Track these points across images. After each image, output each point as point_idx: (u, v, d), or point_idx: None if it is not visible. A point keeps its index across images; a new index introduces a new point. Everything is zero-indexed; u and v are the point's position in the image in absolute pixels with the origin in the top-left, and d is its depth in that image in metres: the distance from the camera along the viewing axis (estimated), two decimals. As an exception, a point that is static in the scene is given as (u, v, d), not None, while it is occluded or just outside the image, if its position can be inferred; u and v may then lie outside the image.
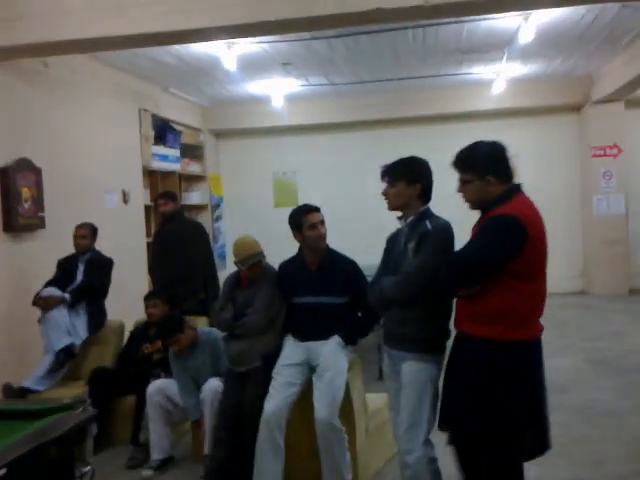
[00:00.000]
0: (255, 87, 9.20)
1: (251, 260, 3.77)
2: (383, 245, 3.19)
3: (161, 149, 8.78)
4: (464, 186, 2.71)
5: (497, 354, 2.51)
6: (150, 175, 8.55)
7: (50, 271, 5.19)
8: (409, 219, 2.99)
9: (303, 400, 3.50)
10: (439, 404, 2.80)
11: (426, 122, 10.45)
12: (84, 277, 5.08)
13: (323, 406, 3.35)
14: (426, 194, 3.01)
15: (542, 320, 2.66)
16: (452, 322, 2.82)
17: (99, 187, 7.09)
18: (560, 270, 10.08)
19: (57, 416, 2.48)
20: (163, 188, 8.04)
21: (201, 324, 4.59)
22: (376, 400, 4.04)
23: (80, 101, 6.81)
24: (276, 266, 3.93)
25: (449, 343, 2.88)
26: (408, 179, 2.96)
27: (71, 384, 4.87)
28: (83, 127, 6.82)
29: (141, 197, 8.12)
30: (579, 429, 4.45)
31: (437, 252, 2.78)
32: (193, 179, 10.32)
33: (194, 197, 10.13)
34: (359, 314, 3.71)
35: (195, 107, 10.28)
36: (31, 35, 4.92)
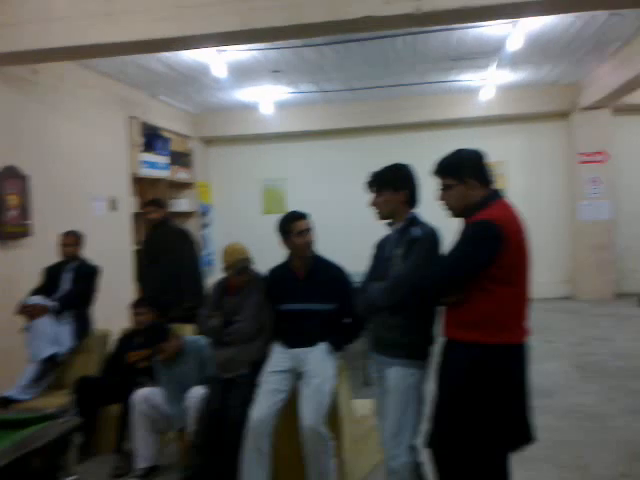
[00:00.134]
0: (244, 94, 9.22)
1: (241, 264, 3.79)
2: (371, 251, 3.20)
3: (150, 156, 8.76)
4: (445, 192, 2.72)
5: (483, 358, 2.53)
6: (138, 182, 8.52)
7: (37, 279, 5.16)
8: (397, 226, 3.01)
9: (290, 407, 3.50)
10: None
11: (415, 129, 10.49)
12: (71, 285, 5.05)
13: (309, 413, 3.35)
14: (412, 200, 3.03)
15: (530, 324, 2.68)
16: (437, 328, 2.83)
17: (87, 194, 7.07)
18: (547, 275, 10.19)
19: (41, 426, 2.46)
20: (151, 195, 8.01)
21: (188, 332, 4.58)
22: (363, 406, 4.04)
23: (68, 108, 6.80)
24: (265, 272, 3.93)
25: (434, 349, 2.89)
26: (394, 186, 2.98)
27: (56, 393, 4.82)
28: (71, 134, 6.81)
29: (129, 204, 8.09)
30: (565, 433, 4.48)
31: (425, 259, 2.80)
32: (182, 186, 10.30)
33: (182, 204, 10.10)
34: (346, 320, 3.71)
35: (184, 114, 10.27)
36: (20, 42, 4.93)
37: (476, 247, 2.54)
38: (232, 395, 3.64)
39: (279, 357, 3.62)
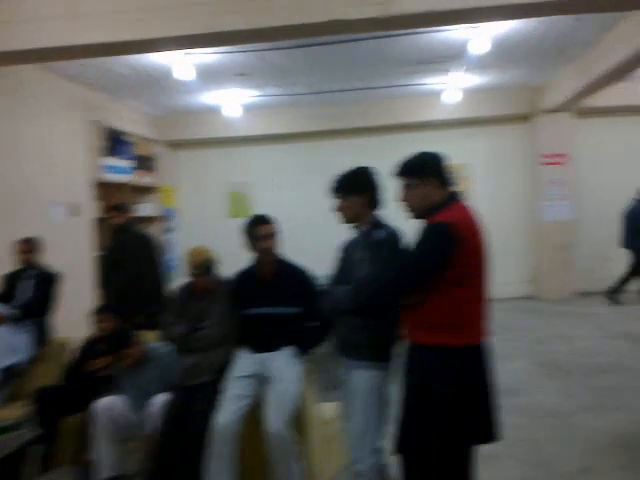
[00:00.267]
0: (210, 97, 9.16)
1: (208, 264, 3.78)
2: (337, 254, 3.20)
3: (113, 160, 8.65)
4: (406, 192, 2.74)
5: (440, 360, 2.54)
6: (101, 187, 8.39)
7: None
8: (362, 229, 3.02)
9: (255, 412, 3.48)
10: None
11: (382, 132, 10.55)
12: (31, 292, 4.94)
13: (275, 418, 3.34)
14: (375, 202, 3.05)
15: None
16: (399, 330, 2.84)
17: (47, 200, 6.94)
18: (510, 275, 10.36)
19: (-1, 437, 2.40)
20: (115, 200, 7.88)
21: (151, 338, 4.51)
22: (329, 409, 4.04)
23: (28, 112, 6.67)
24: (230, 277, 3.90)
25: (397, 351, 2.90)
26: (356, 191, 3.01)
27: (14, 404, 4.63)
28: (31, 138, 6.68)
29: (91, 209, 7.96)
30: (527, 430, 4.53)
31: (389, 261, 2.81)
32: (146, 190, 10.17)
33: (147, 209, 9.99)
34: (312, 324, 3.69)
35: (148, 118, 10.16)
36: (-21, 45, 4.81)
37: (431, 249, 2.55)
38: (196, 401, 3.60)
39: (244, 362, 3.60)
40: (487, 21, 5.72)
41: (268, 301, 3.62)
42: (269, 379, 3.50)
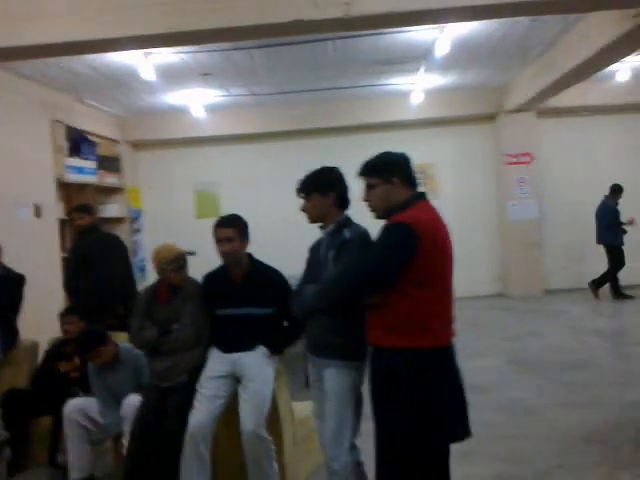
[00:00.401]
0: (174, 97, 9.07)
1: (181, 258, 3.74)
2: (306, 255, 3.19)
3: (76, 161, 8.48)
4: (370, 192, 2.72)
5: (403, 363, 2.51)
6: (65, 188, 8.24)
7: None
8: (329, 228, 3.02)
9: (229, 412, 3.45)
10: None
11: (347, 132, 10.57)
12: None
13: (249, 417, 3.32)
14: (342, 201, 3.04)
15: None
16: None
17: (9, 201, 6.77)
18: (479, 274, 10.50)
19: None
20: (79, 201, 7.74)
21: (122, 340, 4.44)
22: (303, 408, 4.02)
23: (-12, 112, 6.51)
24: (199, 278, 3.86)
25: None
26: (321, 190, 2.99)
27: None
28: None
29: (55, 211, 7.80)
30: (501, 427, 4.58)
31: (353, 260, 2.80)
32: (111, 191, 10.04)
33: (112, 210, 9.86)
34: (285, 323, 3.67)
35: (112, 118, 10.01)
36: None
37: (390, 248, 2.52)
38: (170, 402, 3.55)
39: (217, 362, 3.56)
40: (448, 22, 5.79)
41: (239, 302, 3.58)
42: (242, 379, 3.47)
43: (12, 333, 4.90)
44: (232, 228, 3.56)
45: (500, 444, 4.26)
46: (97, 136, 9.35)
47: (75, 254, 5.61)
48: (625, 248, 9.39)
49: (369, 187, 2.73)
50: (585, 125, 10.47)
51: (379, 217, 2.74)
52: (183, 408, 3.43)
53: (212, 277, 3.79)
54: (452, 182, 10.63)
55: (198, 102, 9.33)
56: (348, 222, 3.02)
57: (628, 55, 6.92)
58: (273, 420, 3.51)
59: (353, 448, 2.91)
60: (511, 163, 10.20)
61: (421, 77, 8.70)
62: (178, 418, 3.42)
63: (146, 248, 10.51)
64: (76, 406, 3.93)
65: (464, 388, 2.66)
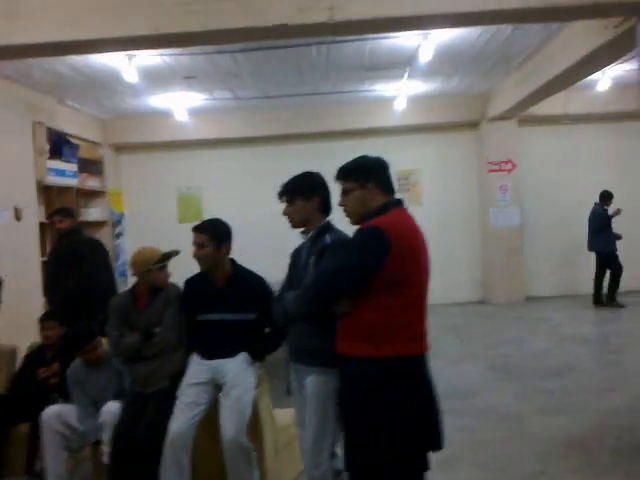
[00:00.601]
0: (157, 100, 9.02)
1: (169, 256, 3.75)
2: (288, 260, 3.17)
3: (57, 163, 8.38)
4: (346, 196, 2.70)
5: (369, 372, 2.48)
6: (45, 191, 8.15)
7: None
8: (310, 234, 3.00)
9: (209, 419, 3.42)
10: None
11: (331, 138, 10.57)
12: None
13: (230, 425, 3.29)
14: (325, 207, 3.03)
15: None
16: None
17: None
18: (461, 280, 10.54)
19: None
20: (60, 204, 7.67)
21: (105, 343, 4.39)
22: (284, 416, 4.00)
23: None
24: (181, 283, 3.83)
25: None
26: (305, 195, 2.98)
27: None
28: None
29: (35, 214, 7.71)
30: (482, 433, 4.59)
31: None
32: (92, 194, 9.96)
33: (93, 213, 9.77)
34: (267, 330, 3.65)
35: (94, 120, 9.92)
36: None
37: (360, 253, 2.50)
38: (150, 409, 3.52)
39: (197, 369, 3.53)
40: (431, 28, 5.83)
41: (221, 307, 3.55)
42: (224, 386, 3.44)
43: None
44: (205, 234, 3.54)
45: (481, 450, 4.27)
46: (79, 139, 9.27)
47: (55, 258, 5.54)
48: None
49: (345, 192, 2.71)
50: (566, 133, 10.57)
51: (354, 223, 2.71)
52: (163, 415, 3.40)
53: (193, 282, 3.77)
54: (435, 188, 10.67)
55: (181, 105, 9.28)
56: (329, 227, 3.00)
57: (609, 64, 7.02)
58: (254, 427, 3.49)
59: (334, 456, 2.90)
60: (493, 170, 10.26)
61: (405, 83, 8.73)
62: (158, 425, 3.38)
63: (128, 252, 10.40)
64: (54, 412, 3.87)
65: (436, 399, 2.61)
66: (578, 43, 6.24)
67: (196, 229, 3.58)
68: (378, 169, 2.72)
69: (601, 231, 9.39)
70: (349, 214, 2.72)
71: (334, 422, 2.88)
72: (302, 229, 3.05)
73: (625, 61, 7.35)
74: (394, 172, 2.79)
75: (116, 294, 5.48)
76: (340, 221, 3.02)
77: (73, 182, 8.91)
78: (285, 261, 3.20)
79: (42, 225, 7.77)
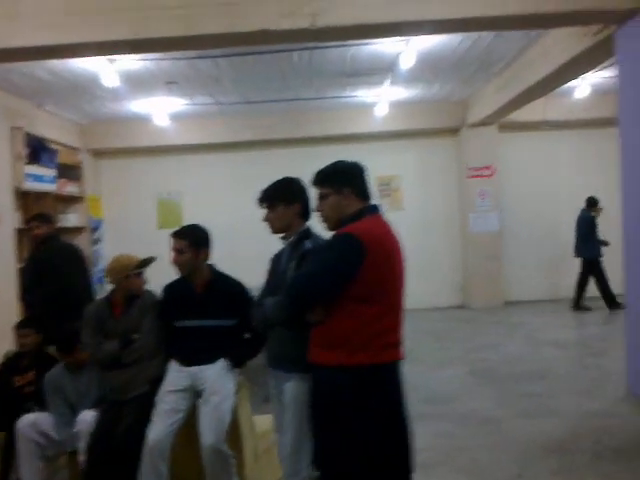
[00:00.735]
0: (138, 105, 8.96)
1: (148, 262, 3.73)
2: (268, 266, 3.16)
3: (35, 169, 8.29)
4: (321, 201, 2.70)
5: (340, 380, 2.47)
6: (23, 196, 8.06)
7: None
8: (290, 239, 3.00)
9: (188, 426, 3.39)
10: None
11: (312, 143, 10.57)
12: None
13: (209, 432, 3.26)
14: (305, 213, 3.03)
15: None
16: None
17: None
18: (441, 285, 10.60)
19: None
20: (37, 210, 7.57)
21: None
22: (264, 422, 3.97)
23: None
24: (158, 289, 3.80)
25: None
26: (286, 200, 2.98)
27: None
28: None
29: (12, 220, 7.61)
30: (461, 438, 4.59)
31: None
32: (70, 200, 9.87)
33: (71, 219, 9.68)
34: (247, 336, 3.63)
35: (73, 125, 9.85)
36: None
37: (335, 260, 2.47)
38: (128, 414, 3.49)
39: (176, 375, 3.50)
40: (412, 35, 5.88)
41: (199, 313, 3.53)
42: (203, 393, 3.42)
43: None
44: (184, 240, 3.54)
45: (460, 455, 4.28)
46: (58, 144, 9.19)
47: (32, 264, 5.47)
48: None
49: (321, 197, 2.70)
50: (545, 139, 10.68)
51: (331, 229, 2.70)
52: (142, 421, 3.37)
53: (172, 288, 3.74)
54: (416, 194, 10.72)
55: (162, 110, 9.23)
56: (309, 233, 3.00)
57: (588, 71, 7.10)
58: (233, 434, 3.46)
59: (313, 463, 2.87)
60: (473, 176, 10.34)
61: (386, 89, 8.77)
62: (137, 431, 3.35)
63: (106, 258, 10.30)
64: (30, 421, 3.81)
65: (405, 409, 2.60)
66: (558, 50, 6.31)
67: (175, 235, 3.57)
68: (354, 174, 2.71)
69: (588, 237, 9.46)
70: (325, 219, 2.72)
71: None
72: (282, 234, 3.04)
73: (604, 68, 7.46)
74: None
75: (92, 301, 5.45)
76: (319, 226, 3.03)
77: (51, 187, 8.82)
78: (264, 266, 3.19)
79: (19, 231, 7.68)
